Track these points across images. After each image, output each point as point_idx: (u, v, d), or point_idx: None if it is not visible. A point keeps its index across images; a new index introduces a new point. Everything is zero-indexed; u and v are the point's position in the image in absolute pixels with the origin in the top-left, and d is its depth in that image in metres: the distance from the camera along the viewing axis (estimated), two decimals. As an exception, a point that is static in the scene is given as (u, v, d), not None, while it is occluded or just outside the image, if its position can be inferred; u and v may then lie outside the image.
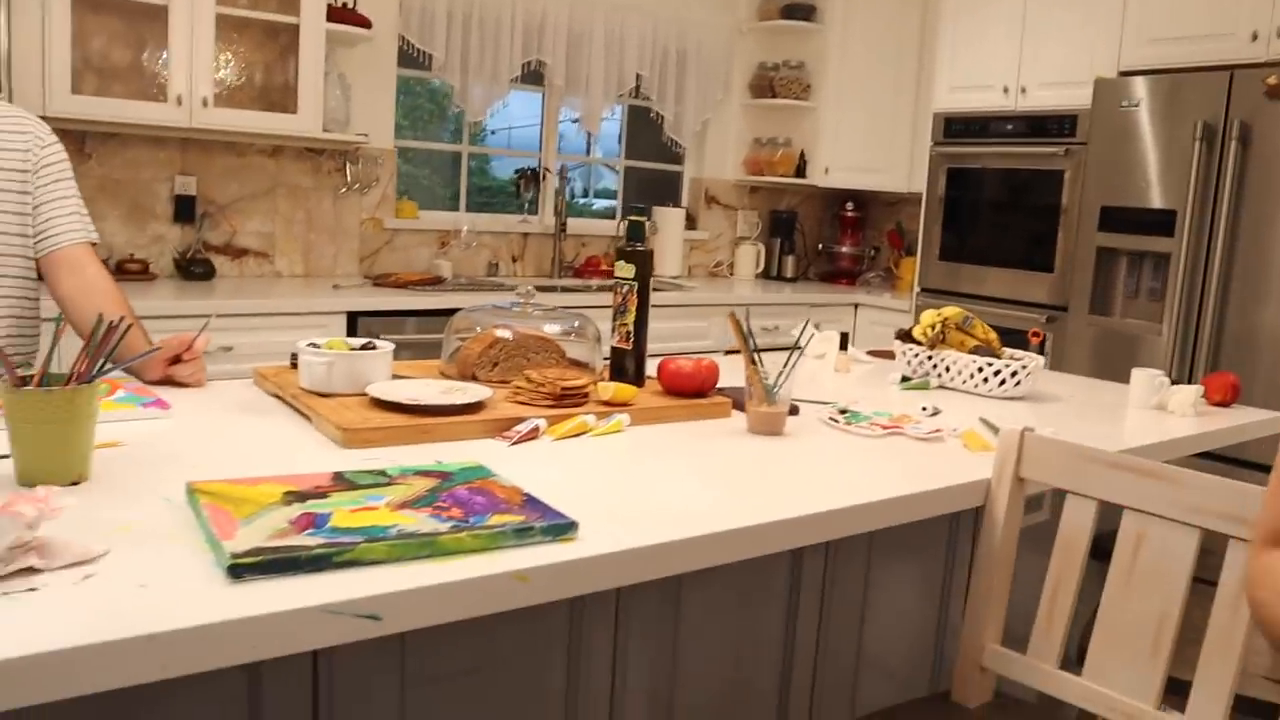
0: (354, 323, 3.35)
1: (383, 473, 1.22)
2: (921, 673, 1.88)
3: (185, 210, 3.65)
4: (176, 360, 1.79)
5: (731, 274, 5.19)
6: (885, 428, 1.79)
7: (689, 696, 1.52)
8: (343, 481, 1.18)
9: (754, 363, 1.68)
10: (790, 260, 5.25)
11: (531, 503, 1.15)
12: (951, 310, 2.32)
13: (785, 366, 1.68)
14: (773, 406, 1.69)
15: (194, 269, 3.59)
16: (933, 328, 2.30)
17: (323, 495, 1.12)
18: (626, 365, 1.83)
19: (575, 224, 4.64)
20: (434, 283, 3.82)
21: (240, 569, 0.92)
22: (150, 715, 1.05)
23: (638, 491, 1.31)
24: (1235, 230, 3.44)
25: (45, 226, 1.93)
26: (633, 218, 1.85)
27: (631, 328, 1.82)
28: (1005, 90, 4.30)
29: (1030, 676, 1.47)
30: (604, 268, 4.60)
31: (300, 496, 1.11)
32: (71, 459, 1.19)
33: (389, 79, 4.07)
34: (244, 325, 3.15)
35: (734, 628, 1.56)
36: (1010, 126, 4.29)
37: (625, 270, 1.82)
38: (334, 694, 1.17)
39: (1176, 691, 1.38)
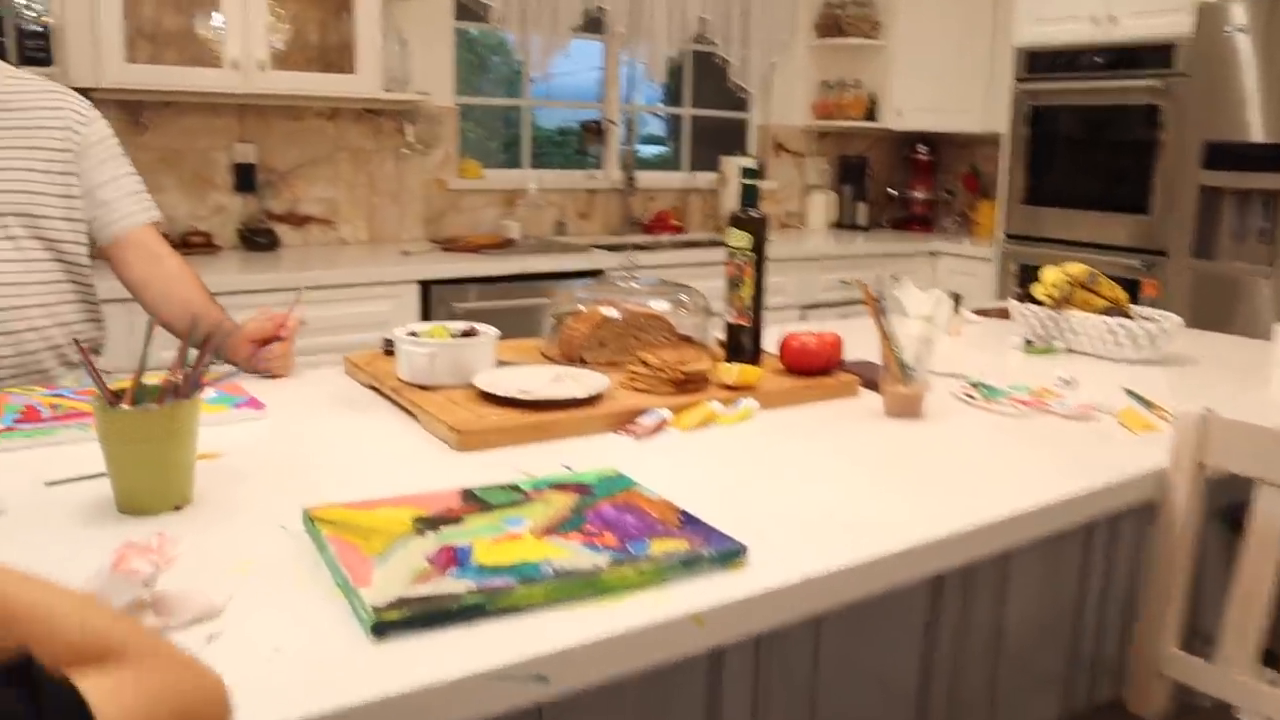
0: (427, 291, 3.23)
1: (515, 487, 1.10)
2: (1056, 681, 1.74)
3: (245, 179, 3.54)
4: (264, 342, 1.68)
5: (802, 224, 5.00)
6: (1027, 404, 1.64)
7: None
8: (474, 501, 1.05)
9: (889, 338, 1.54)
10: (862, 208, 5.05)
11: (690, 523, 1.01)
12: (1076, 268, 2.15)
13: (924, 343, 1.53)
14: (911, 387, 1.54)
15: (258, 239, 3.48)
16: (1056, 287, 2.13)
17: (456, 520, 1.00)
18: (744, 342, 1.69)
19: (643, 177, 4.47)
20: (504, 245, 3.69)
21: (385, 626, 0.80)
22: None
23: (789, 494, 1.18)
24: (1359, 165, 3.20)
25: (104, 211, 1.82)
26: (746, 180, 1.70)
27: (749, 302, 1.67)
28: (1094, 20, 4.05)
29: (1219, 685, 1.33)
30: (674, 223, 4.44)
31: (431, 523, 0.99)
32: (173, 482, 1.08)
33: (446, 33, 3.91)
34: (317, 298, 3.03)
35: (873, 645, 1.42)
36: (1099, 59, 4.05)
37: (740, 239, 1.67)
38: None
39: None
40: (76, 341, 1.13)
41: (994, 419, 1.58)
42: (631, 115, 4.52)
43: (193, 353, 1.12)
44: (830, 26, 4.87)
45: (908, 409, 1.55)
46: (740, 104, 4.88)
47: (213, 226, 3.50)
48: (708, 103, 4.83)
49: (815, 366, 1.65)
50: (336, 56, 3.53)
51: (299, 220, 3.69)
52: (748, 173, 1.70)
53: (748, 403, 1.50)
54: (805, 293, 4.16)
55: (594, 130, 4.38)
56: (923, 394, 1.56)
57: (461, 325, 1.60)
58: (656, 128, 5.00)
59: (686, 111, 4.80)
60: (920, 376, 1.55)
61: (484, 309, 3.31)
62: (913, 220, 5.15)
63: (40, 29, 2.83)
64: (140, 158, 3.34)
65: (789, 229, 4.93)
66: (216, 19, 3.21)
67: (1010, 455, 1.39)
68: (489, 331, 1.58)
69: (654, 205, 4.52)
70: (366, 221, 3.81)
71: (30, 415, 1.40)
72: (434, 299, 3.24)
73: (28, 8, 2.80)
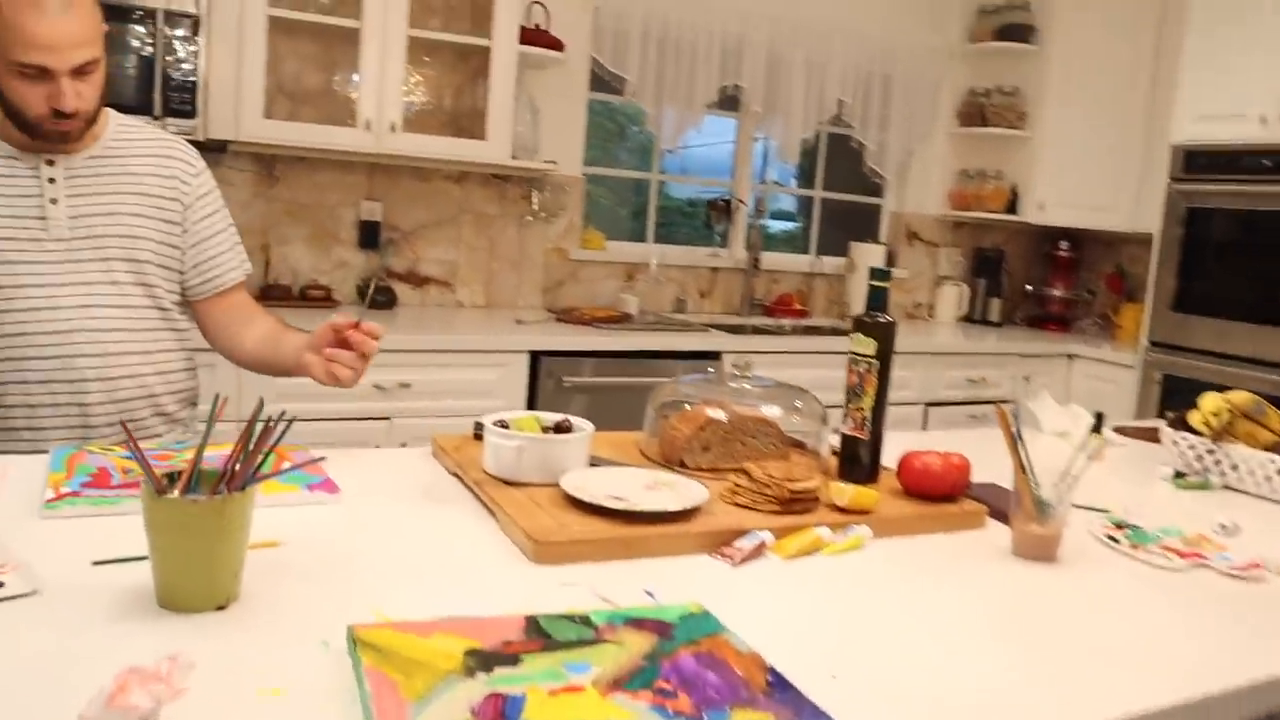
0: (536, 362, 3.16)
1: (586, 620, 0.97)
2: None
3: (369, 236, 3.55)
4: (340, 344, 1.57)
5: (931, 316, 4.81)
6: (1182, 555, 1.44)
7: None
8: (537, 633, 0.93)
9: (1024, 470, 1.37)
10: (996, 303, 4.82)
11: (780, 688, 0.87)
12: (1241, 396, 1.94)
13: (1065, 475, 1.36)
14: (1046, 527, 1.37)
15: (376, 297, 3.48)
16: (1216, 416, 1.92)
17: (513, 660, 0.88)
18: (860, 456, 1.54)
19: (768, 258, 4.35)
20: (620, 319, 3.61)
21: (409, 800, 0.69)
22: None
23: (896, 651, 1.03)
24: None
25: (206, 265, 1.81)
26: (874, 281, 1.57)
27: (868, 414, 1.53)
28: (1263, 120, 3.79)
29: None
30: (796, 307, 4.31)
31: (485, 661, 0.87)
32: (218, 580, 0.99)
33: (579, 103, 3.89)
34: (424, 361, 3.00)
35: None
36: (1266, 162, 3.78)
37: (864, 345, 1.53)
38: None
39: None
40: (123, 424, 1.06)
41: (1140, 569, 1.39)
42: (762, 194, 4.42)
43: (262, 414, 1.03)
44: (974, 115, 4.71)
45: (1041, 552, 1.37)
46: (875, 189, 4.75)
47: (333, 281, 3.51)
48: (841, 185, 4.71)
49: (938, 492, 1.49)
50: (468, 122, 3.53)
51: (418, 280, 3.68)
52: (877, 274, 1.57)
53: (859, 530, 1.35)
54: (929, 390, 3.96)
55: (721, 207, 4.29)
56: (1059, 535, 1.38)
57: (555, 417, 1.49)
58: (788, 203, 4.89)
59: (818, 194, 4.68)
60: (1058, 515, 1.37)
61: (593, 384, 3.21)
62: (1049, 319, 4.90)
63: (188, 83, 2.89)
64: (269, 209, 3.41)
65: (916, 320, 4.74)
66: (356, 78, 3.24)
67: (1160, 620, 1.21)
68: (584, 427, 1.47)
69: (778, 287, 4.39)
70: (484, 286, 3.78)
71: (100, 479, 1.34)
72: (543, 370, 3.17)
73: (184, 62, 2.86)
